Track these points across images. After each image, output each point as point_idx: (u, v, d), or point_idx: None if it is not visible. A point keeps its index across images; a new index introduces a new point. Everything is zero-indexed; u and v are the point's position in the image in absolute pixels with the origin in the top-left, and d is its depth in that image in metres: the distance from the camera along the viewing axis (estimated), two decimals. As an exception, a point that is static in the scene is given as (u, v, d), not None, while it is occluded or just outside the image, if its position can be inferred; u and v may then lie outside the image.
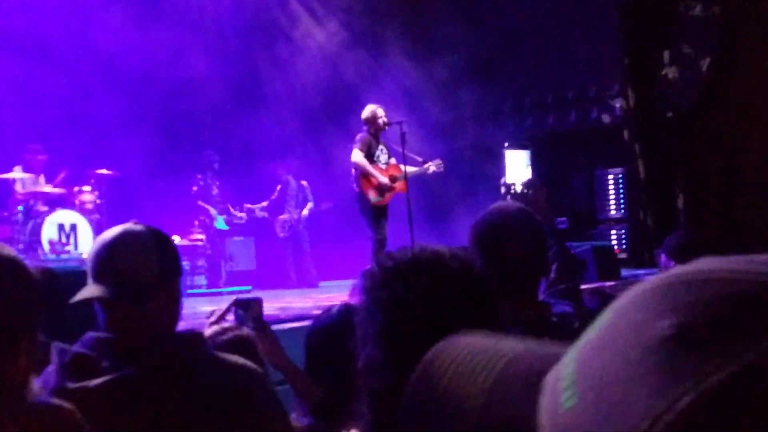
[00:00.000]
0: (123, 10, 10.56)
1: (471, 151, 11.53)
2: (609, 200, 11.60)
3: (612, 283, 7.72)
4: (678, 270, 0.47)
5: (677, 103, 10.51)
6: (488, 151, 11.31)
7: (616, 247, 11.05)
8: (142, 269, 2.00)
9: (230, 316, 2.69)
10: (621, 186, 11.42)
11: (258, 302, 2.80)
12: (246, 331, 2.57)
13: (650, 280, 0.48)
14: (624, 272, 8.82)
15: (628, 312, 0.47)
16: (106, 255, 2.00)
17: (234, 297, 2.88)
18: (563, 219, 11.34)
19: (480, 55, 11.84)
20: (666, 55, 10.52)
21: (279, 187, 11.35)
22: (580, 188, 12.06)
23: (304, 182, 11.38)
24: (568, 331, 2.47)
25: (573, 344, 0.51)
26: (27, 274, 1.63)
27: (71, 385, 1.87)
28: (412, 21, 11.98)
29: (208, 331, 2.46)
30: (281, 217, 11.29)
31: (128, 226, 2.08)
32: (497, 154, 11.04)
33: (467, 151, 11.45)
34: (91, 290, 2.01)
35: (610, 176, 11.55)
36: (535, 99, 12.90)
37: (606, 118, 11.86)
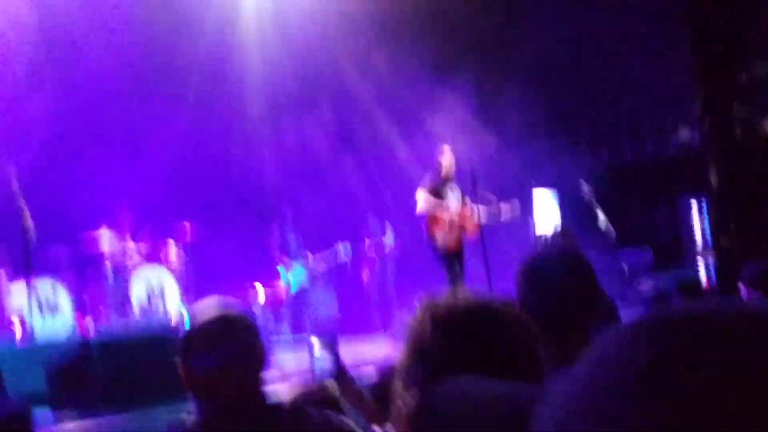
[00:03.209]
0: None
1: (546, 183, 11.40)
2: (693, 230, 11.24)
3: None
4: None
5: (760, 126, 10.18)
6: (564, 182, 11.15)
7: (704, 278, 10.67)
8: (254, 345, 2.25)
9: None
10: (705, 215, 11.06)
11: (334, 343, 2.88)
12: (328, 383, 2.64)
13: None
14: (712, 304, 8.47)
15: None
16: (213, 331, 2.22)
17: (312, 338, 2.97)
18: (647, 251, 11.07)
19: (554, 86, 11.77)
20: (744, 76, 10.22)
21: (365, 231, 11.48)
22: (663, 219, 11.75)
23: (386, 225, 11.47)
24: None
25: None
26: None
27: None
28: (483, 48, 11.98)
29: (291, 391, 2.56)
30: (367, 264, 11.39)
31: (223, 311, 2.29)
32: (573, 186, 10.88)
33: (540, 183, 11.34)
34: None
35: (694, 205, 11.21)
36: (610, 129, 12.69)
37: (685, 146, 11.57)
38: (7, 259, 9.14)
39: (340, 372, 2.86)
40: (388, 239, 11.37)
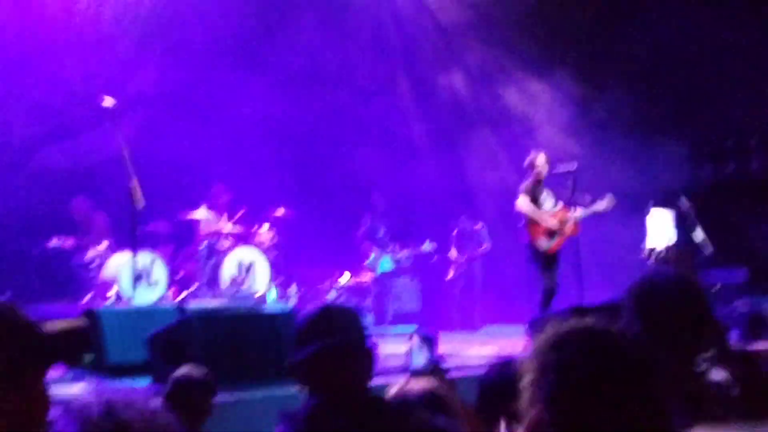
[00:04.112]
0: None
1: (644, 196, 11.15)
2: (795, 253, 10.83)
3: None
4: None
5: None
6: (663, 195, 10.90)
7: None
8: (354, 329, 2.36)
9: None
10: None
11: (433, 339, 2.93)
12: (432, 383, 2.68)
13: None
14: (810, 332, 8.18)
15: None
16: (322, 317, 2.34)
17: (414, 330, 3.03)
18: (742, 271, 10.72)
19: (656, 98, 11.51)
20: None
21: (455, 231, 11.51)
22: (763, 239, 11.34)
23: (479, 225, 11.47)
24: (726, 400, 2.38)
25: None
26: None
27: None
28: (581, 58, 11.80)
29: (396, 387, 2.62)
30: (456, 262, 11.43)
31: (329, 306, 2.44)
32: (668, 201, 10.62)
33: (639, 196, 11.09)
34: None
35: (797, 227, 10.80)
36: (715, 145, 12.32)
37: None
38: (112, 231, 9.56)
39: (436, 369, 2.91)
40: (482, 242, 11.37)
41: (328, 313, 2.37)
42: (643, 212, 10.70)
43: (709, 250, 9.65)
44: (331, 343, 2.28)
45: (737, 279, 10.66)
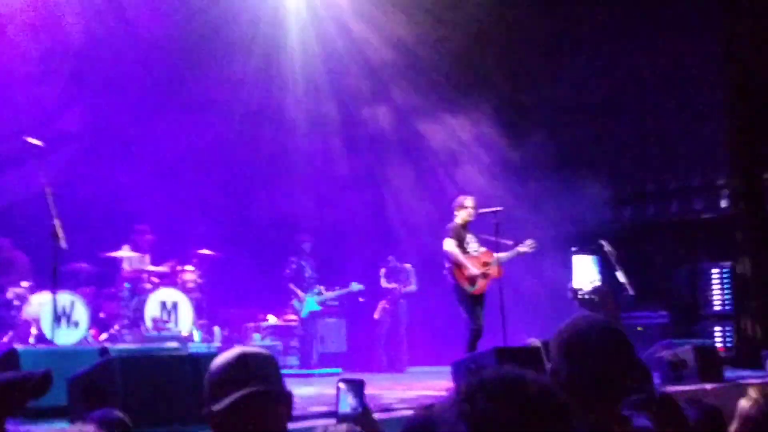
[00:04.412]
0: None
1: (567, 238, 11.38)
2: (713, 295, 11.17)
3: (714, 385, 7.38)
4: None
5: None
6: (585, 237, 11.15)
7: (720, 345, 10.57)
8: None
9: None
10: (727, 281, 10.98)
11: (361, 384, 2.87)
12: (359, 428, 2.63)
13: None
14: (728, 373, 8.40)
15: None
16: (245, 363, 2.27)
17: (337, 378, 2.96)
18: (664, 313, 10.99)
19: (578, 141, 11.81)
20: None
21: (383, 270, 11.51)
22: (683, 282, 11.66)
23: (407, 265, 11.50)
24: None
25: None
26: None
27: None
28: (506, 102, 12.06)
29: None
30: (382, 302, 11.42)
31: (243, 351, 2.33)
32: (591, 243, 10.87)
33: (562, 238, 11.31)
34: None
35: (715, 270, 11.15)
36: (635, 188, 12.68)
37: (711, 209, 11.54)
38: (33, 271, 9.26)
39: (364, 414, 2.84)
40: (409, 282, 11.39)
41: (244, 359, 2.30)
42: (566, 254, 10.92)
43: (630, 291, 9.89)
44: (247, 394, 2.22)
45: (659, 321, 10.94)
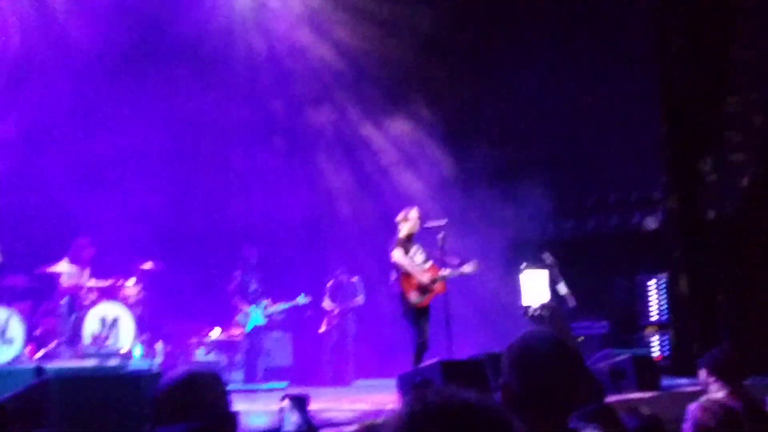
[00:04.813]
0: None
1: (510, 250, 11.52)
2: (650, 306, 11.43)
3: (651, 394, 7.54)
4: None
5: (721, 209, 10.46)
6: (527, 249, 11.30)
7: (658, 353, 10.81)
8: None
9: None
10: (663, 291, 11.26)
11: (305, 400, 2.86)
12: None
13: None
14: (665, 381, 8.60)
15: None
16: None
17: (280, 394, 2.95)
18: (604, 323, 11.21)
19: (521, 155, 11.98)
20: (708, 161, 10.54)
21: (330, 283, 11.48)
22: (621, 293, 11.91)
23: (355, 278, 11.48)
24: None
25: None
26: None
27: None
28: (449, 116, 12.17)
29: None
30: (329, 315, 11.38)
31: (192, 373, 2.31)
32: (534, 255, 11.03)
33: (505, 251, 11.45)
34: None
35: (652, 281, 11.41)
36: (577, 202, 12.92)
37: (648, 223, 11.81)
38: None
39: (308, 430, 2.85)
40: (357, 294, 11.38)
41: (192, 381, 2.28)
42: (511, 266, 11.05)
43: (572, 303, 10.06)
44: (195, 428, 2.20)
45: (599, 331, 11.14)
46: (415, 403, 1.45)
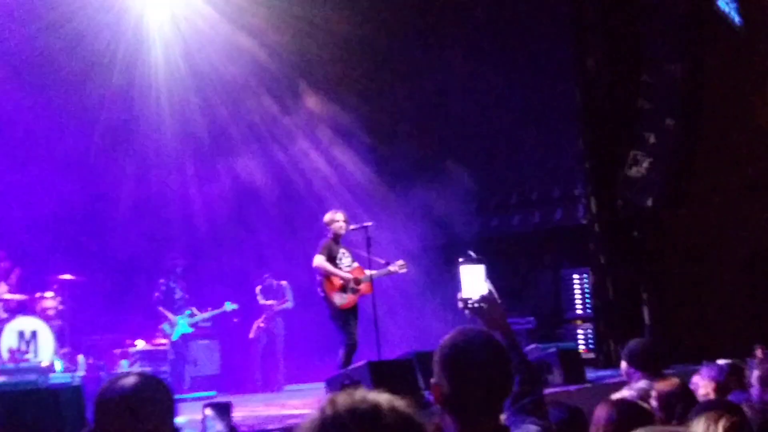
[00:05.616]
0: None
1: (436, 249, 11.60)
2: (575, 300, 11.67)
3: (577, 387, 7.68)
4: None
5: (640, 202, 10.74)
6: (454, 247, 11.40)
7: (583, 347, 11.04)
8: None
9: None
10: (586, 285, 11.51)
11: (228, 407, 2.81)
12: None
13: None
14: (590, 374, 8.78)
15: None
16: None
17: (204, 402, 2.89)
18: (530, 319, 11.38)
19: (444, 154, 12.08)
20: (630, 156, 10.79)
21: (259, 287, 11.35)
22: (546, 288, 12.14)
23: (284, 282, 11.37)
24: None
25: None
26: None
27: None
28: (371, 117, 12.19)
29: None
30: (258, 321, 11.25)
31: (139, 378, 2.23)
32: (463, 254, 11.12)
33: (432, 249, 11.53)
34: None
35: (576, 276, 11.66)
36: (500, 199, 13.10)
37: (570, 219, 12.06)
38: None
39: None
40: (285, 299, 11.28)
41: (140, 390, 2.17)
42: (437, 264, 11.13)
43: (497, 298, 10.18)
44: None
45: (526, 326, 11.32)
46: (326, 408, 1.43)
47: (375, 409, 1.41)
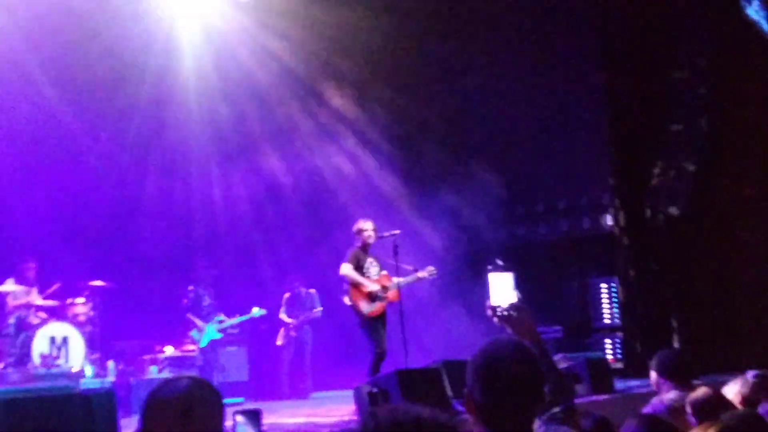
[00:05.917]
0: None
1: (463, 256, 11.59)
2: (602, 309, 11.59)
3: (605, 396, 7.64)
4: None
5: (667, 212, 10.66)
6: (481, 255, 11.37)
7: (611, 356, 10.95)
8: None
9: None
10: (614, 294, 11.42)
11: (258, 414, 2.83)
12: None
13: None
14: (618, 384, 8.72)
15: None
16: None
17: (233, 409, 2.90)
18: (558, 328, 11.31)
19: (471, 162, 12.06)
20: (658, 165, 10.73)
21: (287, 294, 11.41)
22: (574, 297, 12.07)
23: (312, 290, 11.43)
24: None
25: None
26: None
27: None
28: (398, 123, 12.21)
29: None
30: (287, 328, 11.32)
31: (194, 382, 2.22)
32: (490, 262, 11.10)
33: (458, 257, 11.51)
34: None
35: (603, 285, 11.57)
36: (527, 208, 13.05)
37: (606, 220, 11.96)
38: None
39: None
40: (314, 306, 11.33)
41: (191, 395, 2.18)
42: (463, 272, 11.11)
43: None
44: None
45: (553, 335, 11.25)
46: (367, 422, 1.45)
47: (417, 421, 1.42)
